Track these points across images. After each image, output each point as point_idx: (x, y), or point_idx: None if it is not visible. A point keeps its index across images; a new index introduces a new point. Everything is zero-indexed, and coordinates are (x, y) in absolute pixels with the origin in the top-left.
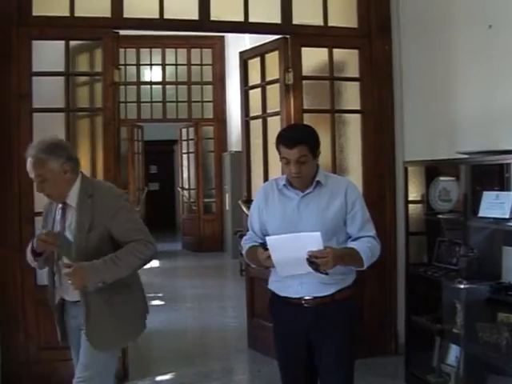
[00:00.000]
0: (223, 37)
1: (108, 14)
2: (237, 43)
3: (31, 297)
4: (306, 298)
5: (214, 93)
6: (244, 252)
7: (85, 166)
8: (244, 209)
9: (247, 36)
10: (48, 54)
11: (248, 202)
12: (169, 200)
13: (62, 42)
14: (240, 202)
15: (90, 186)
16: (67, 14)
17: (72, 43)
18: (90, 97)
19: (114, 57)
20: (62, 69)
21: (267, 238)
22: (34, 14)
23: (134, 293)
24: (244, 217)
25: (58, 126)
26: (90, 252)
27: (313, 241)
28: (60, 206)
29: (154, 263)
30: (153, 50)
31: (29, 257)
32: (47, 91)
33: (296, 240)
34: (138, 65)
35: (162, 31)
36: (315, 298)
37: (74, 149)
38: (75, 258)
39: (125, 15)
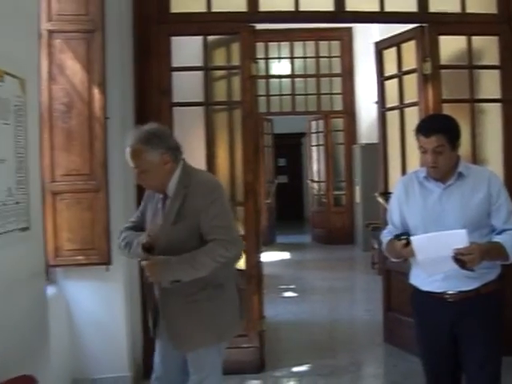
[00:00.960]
0: (351, 28)
1: (244, 9)
2: (364, 34)
3: None
4: (450, 292)
5: (342, 85)
6: (384, 246)
7: (223, 159)
8: (381, 201)
9: (376, 26)
10: (186, 49)
11: (385, 194)
12: (297, 192)
13: (200, 38)
14: (377, 194)
15: (188, 176)
16: (204, 9)
17: (209, 38)
18: (228, 91)
19: (250, 50)
20: (199, 63)
21: (412, 239)
22: (172, 11)
23: (226, 292)
24: (381, 209)
25: (197, 120)
26: (177, 245)
27: (458, 238)
28: (159, 197)
29: (285, 255)
30: (281, 43)
31: (136, 252)
32: (186, 86)
33: (441, 238)
34: (267, 58)
35: (297, 24)
36: (460, 292)
37: (173, 136)
38: (158, 252)
39: (260, 9)
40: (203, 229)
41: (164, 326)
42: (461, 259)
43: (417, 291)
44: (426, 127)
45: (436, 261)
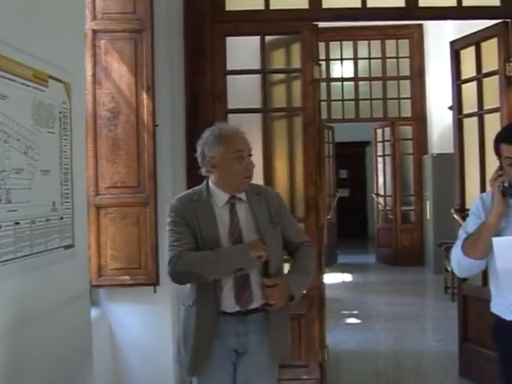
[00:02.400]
0: (421, 25)
1: (305, 6)
2: (437, 32)
3: None
4: None
5: (411, 88)
6: (460, 248)
7: (282, 170)
8: (457, 219)
9: (450, 23)
10: (242, 50)
11: (462, 210)
12: (360, 208)
13: (256, 38)
14: (452, 210)
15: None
16: (262, 7)
17: (267, 38)
18: (288, 96)
19: (313, 51)
20: (256, 66)
21: (493, 240)
22: (228, 8)
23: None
24: (457, 227)
25: (254, 128)
26: (277, 252)
27: None
28: (224, 201)
29: (347, 277)
30: (343, 42)
31: (225, 271)
32: (242, 91)
33: None
34: (328, 60)
35: (364, 21)
36: None
37: None
38: (272, 265)
39: (323, 6)
40: (289, 233)
41: (262, 342)
42: None
43: (499, 321)
44: (511, 135)
45: None
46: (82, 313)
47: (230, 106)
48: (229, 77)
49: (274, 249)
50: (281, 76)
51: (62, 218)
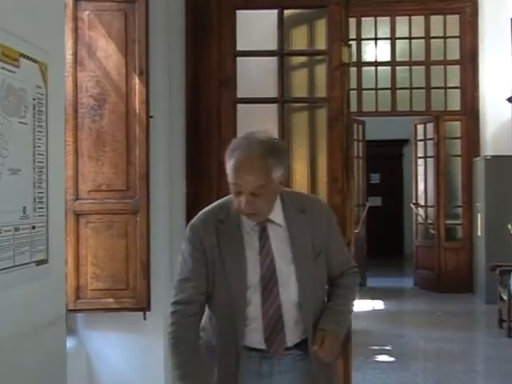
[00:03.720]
0: None
1: None
2: (495, 6)
3: None
4: None
5: (461, 76)
6: None
7: (301, 174)
8: None
9: None
10: (256, 27)
11: None
12: (395, 220)
13: (273, 12)
14: (510, 226)
15: (292, 195)
16: None
17: (286, 13)
18: (310, 83)
19: (342, 30)
20: (273, 47)
21: None
22: None
23: None
24: None
25: (269, 122)
26: (318, 288)
27: None
28: (251, 225)
29: (378, 304)
30: (378, 18)
31: None
32: (254, 76)
33: None
34: (360, 39)
35: None
36: None
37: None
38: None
39: None
40: (335, 261)
41: None
42: None
43: None
44: None
45: None
46: (56, 343)
47: (240, 95)
48: (239, 59)
49: (312, 286)
50: (302, 59)
51: (33, 228)
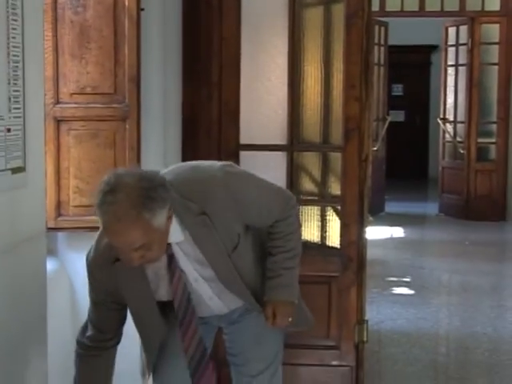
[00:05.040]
0: None
1: None
2: None
3: None
4: None
5: None
6: None
7: (315, 79)
8: None
9: None
10: None
11: None
12: (420, 137)
13: None
14: None
15: (186, 203)
16: None
17: None
18: None
19: None
20: None
21: None
22: None
23: None
24: None
25: (276, 19)
26: (247, 270)
27: None
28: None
29: (397, 232)
30: None
31: None
32: None
33: None
34: None
35: None
36: None
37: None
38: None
39: None
40: (264, 223)
41: None
42: None
43: None
44: None
45: None
46: (35, 262)
47: None
48: None
49: (239, 278)
50: None
51: (9, 131)
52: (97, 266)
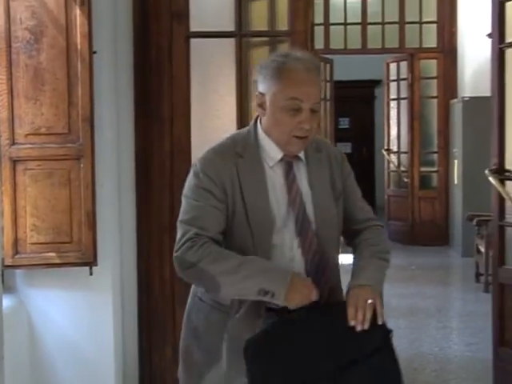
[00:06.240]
0: None
1: None
2: None
3: (185, 294)
4: None
5: (438, 9)
6: None
7: None
8: (494, 183)
9: None
10: None
11: (500, 172)
12: (366, 168)
13: None
14: (488, 172)
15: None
16: None
17: None
18: (270, 16)
19: None
20: None
21: None
22: None
23: None
24: (492, 195)
25: (225, 58)
26: (338, 241)
27: None
28: (277, 158)
29: (345, 259)
30: None
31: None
32: (210, 8)
33: None
34: None
35: None
36: None
37: None
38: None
39: None
40: (353, 204)
41: None
42: None
43: None
44: None
45: None
46: None
47: (194, 28)
48: None
49: (334, 235)
50: None
51: None
52: (220, 158)
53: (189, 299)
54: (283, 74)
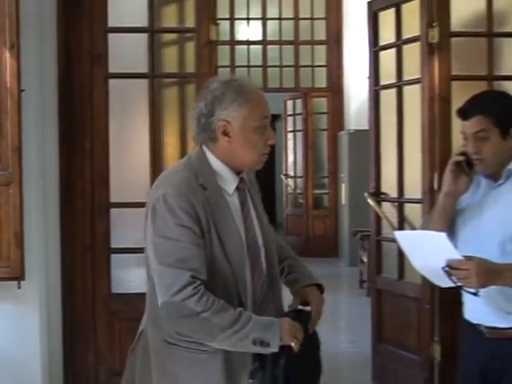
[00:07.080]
0: None
1: None
2: None
3: (105, 307)
4: (485, 325)
5: (327, 55)
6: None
7: (173, 147)
8: (372, 204)
9: None
10: (127, 5)
11: (377, 194)
12: (267, 190)
13: None
14: (366, 194)
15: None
16: None
17: None
18: (180, 60)
19: (209, 8)
20: (143, 24)
21: (396, 233)
22: None
23: None
24: (371, 214)
25: (140, 96)
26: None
27: (440, 243)
28: (234, 186)
29: None
30: None
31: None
32: (126, 52)
33: (423, 239)
34: (232, 19)
35: None
36: (493, 328)
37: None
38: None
39: None
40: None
41: None
42: (451, 273)
43: (463, 320)
44: (463, 106)
45: (429, 267)
46: None
47: (112, 70)
48: (111, 35)
49: (276, 257)
50: (172, 36)
51: None
52: (189, 189)
53: (150, 343)
54: (248, 97)
